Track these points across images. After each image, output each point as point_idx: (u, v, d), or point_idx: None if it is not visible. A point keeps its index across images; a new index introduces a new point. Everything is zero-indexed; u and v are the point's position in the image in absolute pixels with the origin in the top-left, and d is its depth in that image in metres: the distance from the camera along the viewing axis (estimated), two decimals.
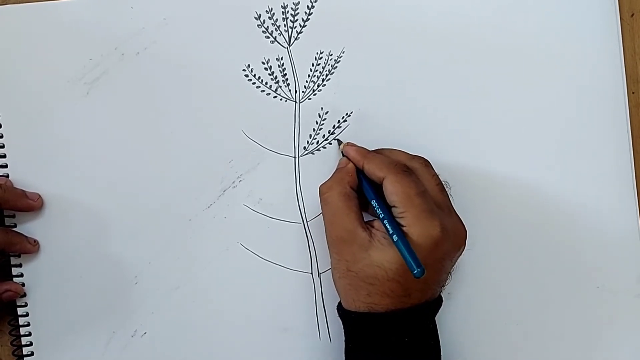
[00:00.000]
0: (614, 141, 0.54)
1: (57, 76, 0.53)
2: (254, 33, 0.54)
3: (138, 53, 0.54)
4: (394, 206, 0.46)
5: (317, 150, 0.54)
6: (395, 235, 0.45)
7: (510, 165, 0.54)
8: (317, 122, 0.54)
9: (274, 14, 0.53)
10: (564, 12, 0.54)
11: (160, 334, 0.54)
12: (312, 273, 0.54)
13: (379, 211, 0.47)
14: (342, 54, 0.54)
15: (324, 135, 0.54)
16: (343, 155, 0.51)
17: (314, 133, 0.54)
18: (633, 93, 0.55)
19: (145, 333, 0.54)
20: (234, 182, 0.54)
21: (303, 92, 0.54)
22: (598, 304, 0.54)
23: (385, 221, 0.46)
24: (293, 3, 0.53)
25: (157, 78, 0.53)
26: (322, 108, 0.54)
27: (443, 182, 0.49)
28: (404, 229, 0.46)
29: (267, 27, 0.54)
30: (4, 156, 0.53)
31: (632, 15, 0.55)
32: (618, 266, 0.54)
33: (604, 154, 0.54)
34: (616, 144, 0.54)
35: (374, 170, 0.48)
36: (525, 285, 0.54)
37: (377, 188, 0.48)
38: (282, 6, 0.53)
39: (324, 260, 0.53)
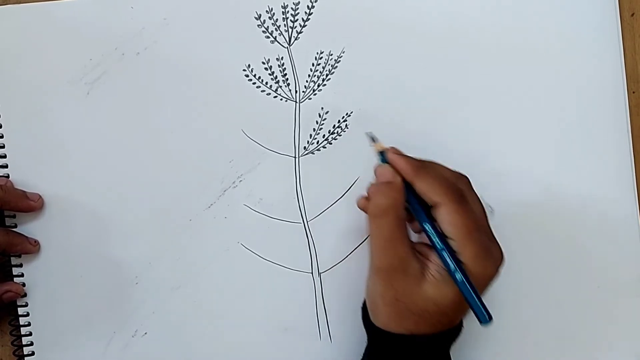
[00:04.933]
0: (614, 141, 0.54)
1: (57, 76, 0.53)
2: (254, 33, 0.54)
3: (138, 53, 0.54)
4: (450, 238, 0.43)
5: (317, 150, 0.54)
6: (458, 275, 0.43)
7: (510, 165, 0.54)
8: (317, 122, 0.54)
9: (274, 14, 0.53)
10: (564, 12, 0.54)
11: (161, 334, 0.54)
12: (312, 273, 0.54)
13: (435, 240, 0.44)
14: (342, 54, 0.54)
15: (324, 135, 0.54)
16: (381, 157, 0.46)
17: (314, 133, 0.54)
18: (633, 93, 0.55)
19: (145, 333, 0.54)
20: (234, 182, 0.54)
21: (303, 92, 0.54)
22: (598, 304, 0.54)
23: (445, 255, 0.43)
24: (293, 3, 0.53)
25: (157, 78, 0.53)
26: (322, 108, 0.54)
27: (485, 206, 0.47)
28: (462, 265, 0.43)
29: (267, 27, 0.54)
30: (4, 156, 0.53)
31: (632, 15, 0.55)
32: (618, 266, 0.54)
33: (604, 153, 0.54)
34: (616, 144, 0.54)
35: (427, 191, 0.44)
36: (525, 284, 0.54)
37: (425, 207, 0.45)
38: (282, 6, 0.53)
39: (324, 260, 0.53)
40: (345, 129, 0.54)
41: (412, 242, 0.45)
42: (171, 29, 0.54)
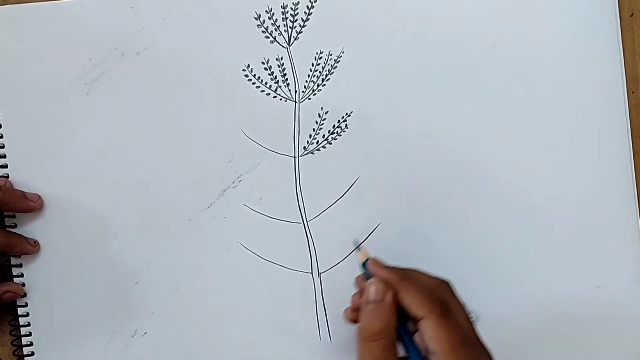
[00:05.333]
0: (614, 141, 0.54)
1: (57, 76, 0.53)
2: (254, 33, 0.54)
3: (138, 53, 0.54)
4: (433, 353, 0.42)
5: (317, 150, 0.54)
6: None
7: (510, 164, 0.54)
8: (317, 122, 0.54)
9: (273, 14, 0.53)
10: (564, 12, 0.54)
11: (160, 334, 0.54)
12: (312, 273, 0.54)
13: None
14: (342, 54, 0.54)
15: (323, 135, 0.54)
16: (364, 266, 0.45)
17: (314, 133, 0.54)
18: (633, 93, 0.55)
19: (145, 333, 0.54)
20: (234, 182, 0.54)
21: (303, 92, 0.54)
22: (598, 304, 0.54)
23: None
24: (293, 3, 0.53)
25: (157, 78, 0.54)
26: (322, 108, 0.54)
27: (470, 314, 0.45)
28: None
29: (267, 27, 0.54)
30: (4, 156, 0.53)
31: (632, 15, 0.55)
32: (618, 266, 0.54)
33: (604, 154, 0.54)
34: (616, 144, 0.54)
35: (411, 305, 0.42)
36: (524, 284, 0.54)
37: (404, 318, 0.43)
38: (281, 6, 0.53)
39: (324, 260, 0.53)
40: (345, 129, 0.54)
41: None
42: (171, 29, 0.54)
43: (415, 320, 0.43)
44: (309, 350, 0.54)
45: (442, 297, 0.43)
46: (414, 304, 0.42)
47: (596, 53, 0.54)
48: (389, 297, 0.43)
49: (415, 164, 0.54)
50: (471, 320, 0.44)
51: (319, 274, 0.54)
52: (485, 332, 0.53)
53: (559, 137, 0.54)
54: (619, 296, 0.54)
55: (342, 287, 0.53)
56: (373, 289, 0.43)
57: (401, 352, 0.43)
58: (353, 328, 0.52)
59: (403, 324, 0.43)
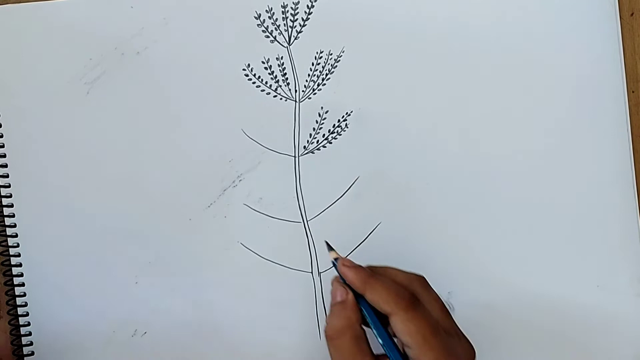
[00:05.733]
0: (614, 141, 0.54)
1: (57, 76, 0.53)
2: (254, 32, 0.54)
3: (138, 53, 0.54)
4: (407, 346, 0.42)
5: (317, 149, 0.54)
6: None
7: (510, 164, 0.54)
8: (317, 122, 0.54)
9: (273, 13, 0.54)
10: (564, 12, 0.54)
11: (160, 334, 0.54)
12: (312, 272, 0.54)
13: (388, 354, 0.43)
14: (342, 54, 0.54)
15: (324, 135, 0.54)
16: (334, 265, 0.46)
17: (314, 132, 0.54)
18: (633, 92, 0.55)
19: (145, 333, 0.54)
20: (234, 182, 0.54)
21: (303, 91, 0.54)
22: (598, 304, 0.54)
23: None
24: (293, 2, 0.53)
25: (157, 78, 0.54)
26: (322, 107, 0.54)
27: (445, 304, 0.46)
28: None
29: (267, 26, 0.54)
30: (4, 156, 0.53)
31: (632, 14, 0.55)
32: (618, 266, 0.54)
33: (604, 153, 0.54)
34: (616, 144, 0.54)
35: (379, 302, 0.43)
36: (524, 284, 0.54)
37: (380, 316, 0.44)
38: (282, 6, 0.53)
39: (324, 259, 0.53)
40: (345, 129, 0.54)
41: (375, 356, 0.44)
42: (171, 28, 0.54)
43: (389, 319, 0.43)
44: (309, 350, 0.54)
45: (411, 291, 0.44)
46: (381, 301, 0.43)
47: (596, 53, 0.54)
48: (350, 297, 0.44)
49: (415, 163, 0.54)
50: (447, 310, 0.45)
51: (319, 273, 0.54)
52: (485, 331, 0.53)
53: (558, 137, 0.54)
54: (619, 296, 0.54)
55: None
56: (335, 290, 0.45)
57: (382, 350, 0.44)
58: None
59: (377, 322, 0.44)
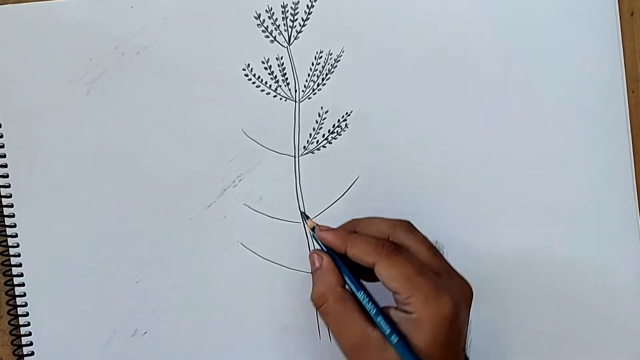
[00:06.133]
0: (614, 141, 0.54)
1: (57, 76, 0.53)
2: (254, 32, 0.54)
3: (138, 53, 0.54)
4: (395, 292, 0.42)
5: (317, 149, 0.54)
6: (393, 337, 0.42)
7: (510, 164, 0.54)
8: (317, 122, 0.54)
9: (273, 13, 0.54)
10: (564, 12, 0.54)
11: (161, 334, 0.54)
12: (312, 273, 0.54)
13: (368, 307, 0.43)
14: (341, 54, 0.54)
15: (323, 135, 0.54)
16: (312, 232, 0.47)
17: (314, 132, 0.54)
18: (633, 92, 0.55)
19: (145, 332, 0.54)
20: (234, 182, 0.54)
21: (303, 91, 0.54)
22: (598, 304, 0.54)
23: (379, 320, 0.43)
24: (293, 2, 0.53)
25: (157, 77, 0.54)
26: (322, 107, 0.54)
27: (434, 244, 0.46)
28: (414, 315, 0.41)
29: (267, 26, 0.54)
30: (4, 156, 0.53)
31: (632, 14, 0.55)
32: (618, 266, 0.54)
33: (604, 153, 0.54)
34: (616, 144, 0.54)
35: (360, 255, 0.44)
36: (524, 284, 0.54)
37: (363, 270, 0.45)
38: (281, 5, 0.53)
39: None
40: (345, 129, 0.54)
41: (365, 314, 0.44)
42: (171, 28, 0.54)
43: (371, 271, 0.44)
44: (308, 350, 0.54)
45: (395, 237, 0.45)
46: (362, 254, 0.44)
47: (596, 53, 0.54)
48: (324, 262, 0.45)
49: (415, 163, 0.54)
50: (436, 250, 0.45)
51: None
52: (485, 331, 0.53)
53: (558, 137, 0.54)
54: (619, 296, 0.54)
55: None
56: (310, 260, 0.46)
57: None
58: None
59: (352, 278, 0.45)
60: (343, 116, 0.54)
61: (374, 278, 0.44)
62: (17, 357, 0.53)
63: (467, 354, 0.46)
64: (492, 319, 0.54)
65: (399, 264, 0.42)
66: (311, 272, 0.46)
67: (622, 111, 0.54)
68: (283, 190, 0.54)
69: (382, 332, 0.42)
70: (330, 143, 0.54)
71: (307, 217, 0.48)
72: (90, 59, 0.53)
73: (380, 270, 0.43)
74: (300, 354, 0.54)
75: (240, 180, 0.54)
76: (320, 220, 0.53)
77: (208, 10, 0.54)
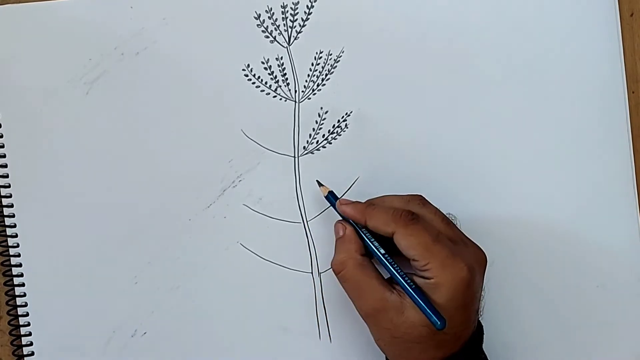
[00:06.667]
0: (614, 141, 0.54)
1: (57, 76, 0.53)
2: (254, 33, 0.54)
3: (138, 53, 0.54)
4: (414, 259, 0.45)
5: (317, 149, 0.54)
6: (402, 282, 0.45)
7: (510, 164, 0.54)
8: (316, 122, 0.54)
9: (273, 13, 0.53)
10: (564, 12, 0.54)
11: (160, 334, 0.54)
12: (312, 273, 0.54)
13: (390, 269, 0.46)
14: (341, 54, 0.54)
15: (323, 135, 0.54)
16: (328, 199, 0.50)
17: (314, 133, 0.54)
18: (633, 92, 0.55)
19: (145, 333, 0.54)
20: (233, 182, 0.54)
21: (303, 91, 0.54)
22: (598, 304, 0.54)
23: (401, 279, 0.45)
24: (292, 3, 0.53)
25: (156, 78, 0.54)
26: (321, 108, 0.54)
27: (447, 215, 0.48)
28: (432, 280, 0.44)
29: (267, 26, 0.54)
30: (4, 156, 0.53)
31: (632, 14, 0.55)
32: (618, 266, 0.54)
33: (604, 154, 0.54)
34: (616, 144, 0.54)
35: (379, 226, 0.46)
36: (524, 284, 0.54)
37: (382, 240, 0.47)
38: (281, 6, 0.53)
39: (324, 260, 0.53)
40: (345, 129, 0.54)
41: (384, 279, 0.46)
42: (170, 29, 0.54)
43: (391, 240, 0.46)
44: (309, 350, 0.54)
45: (410, 207, 0.47)
46: (381, 224, 0.46)
47: (596, 53, 0.54)
48: (348, 230, 0.48)
49: (415, 163, 0.54)
50: (450, 221, 0.48)
51: (319, 273, 0.54)
52: (485, 332, 0.53)
53: (559, 137, 0.54)
54: (619, 296, 0.54)
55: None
56: (335, 229, 0.49)
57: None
58: (352, 328, 0.52)
59: (374, 247, 0.47)
60: (343, 116, 0.54)
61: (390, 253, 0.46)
62: (17, 357, 0.53)
63: (480, 318, 0.48)
64: (491, 319, 0.54)
65: (417, 233, 0.45)
66: (335, 241, 0.49)
67: (622, 111, 0.54)
68: (283, 190, 0.54)
69: (404, 288, 0.45)
70: (330, 143, 0.54)
71: (321, 184, 0.51)
72: (90, 59, 0.53)
73: (399, 239, 0.45)
74: (300, 354, 0.54)
75: (240, 180, 0.54)
76: (321, 221, 0.53)
77: (208, 10, 0.54)
